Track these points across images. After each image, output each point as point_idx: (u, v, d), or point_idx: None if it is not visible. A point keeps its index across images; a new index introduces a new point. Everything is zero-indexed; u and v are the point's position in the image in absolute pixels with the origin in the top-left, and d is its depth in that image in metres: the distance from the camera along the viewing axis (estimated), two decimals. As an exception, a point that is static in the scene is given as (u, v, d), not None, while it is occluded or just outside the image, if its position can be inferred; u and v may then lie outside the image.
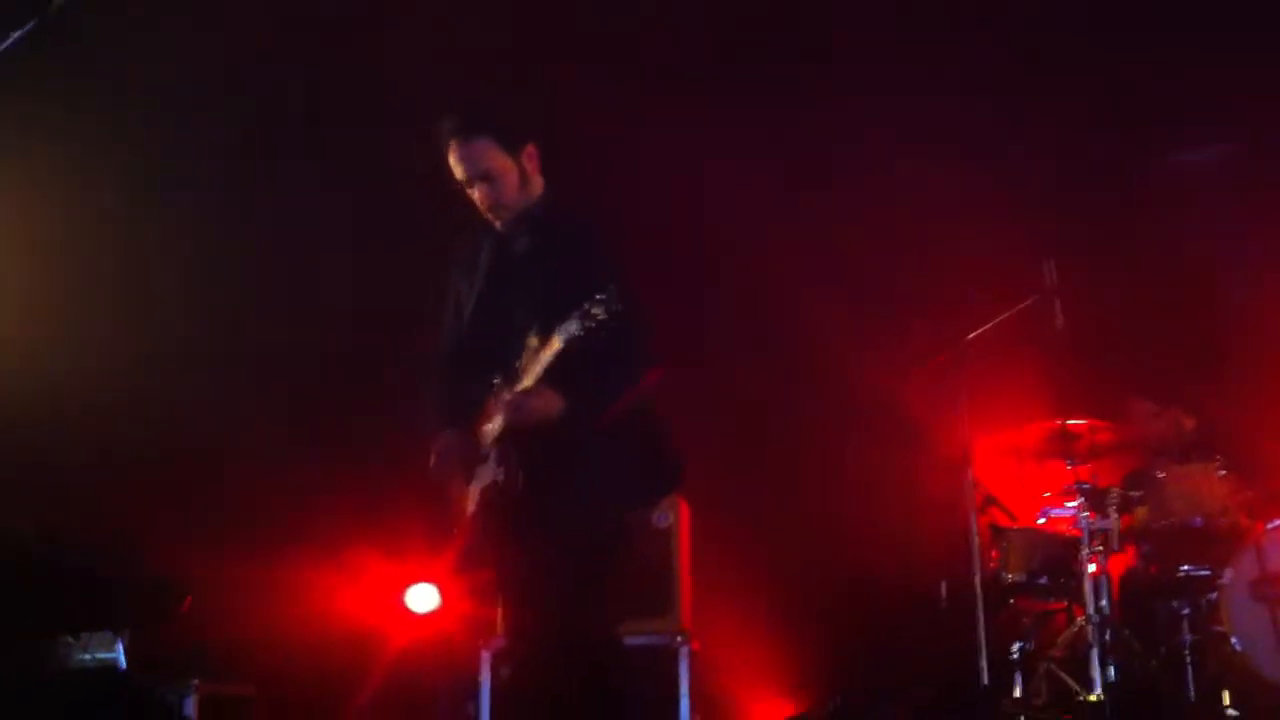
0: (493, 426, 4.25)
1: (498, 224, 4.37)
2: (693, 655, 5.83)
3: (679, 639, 5.80)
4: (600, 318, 3.83)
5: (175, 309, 6.52)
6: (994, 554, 6.15)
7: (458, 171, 4.30)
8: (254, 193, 6.62)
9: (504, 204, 4.31)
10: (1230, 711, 5.66)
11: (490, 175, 4.26)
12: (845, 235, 6.56)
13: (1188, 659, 5.70)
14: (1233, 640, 5.62)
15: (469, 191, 4.34)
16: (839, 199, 6.51)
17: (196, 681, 5.57)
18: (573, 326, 3.87)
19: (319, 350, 6.74)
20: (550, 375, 4.03)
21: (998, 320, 5.98)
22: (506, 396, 4.16)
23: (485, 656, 5.89)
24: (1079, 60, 6.51)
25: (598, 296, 3.83)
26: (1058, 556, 6.08)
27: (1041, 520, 6.32)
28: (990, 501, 6.21)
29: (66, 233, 6.27)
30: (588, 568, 4.11)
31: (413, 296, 5.57)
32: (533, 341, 4.11)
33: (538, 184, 4.37)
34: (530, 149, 4.32)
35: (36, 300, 6.15)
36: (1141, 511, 6.06)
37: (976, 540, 5.83)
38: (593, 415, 4.10)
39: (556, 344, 3.94)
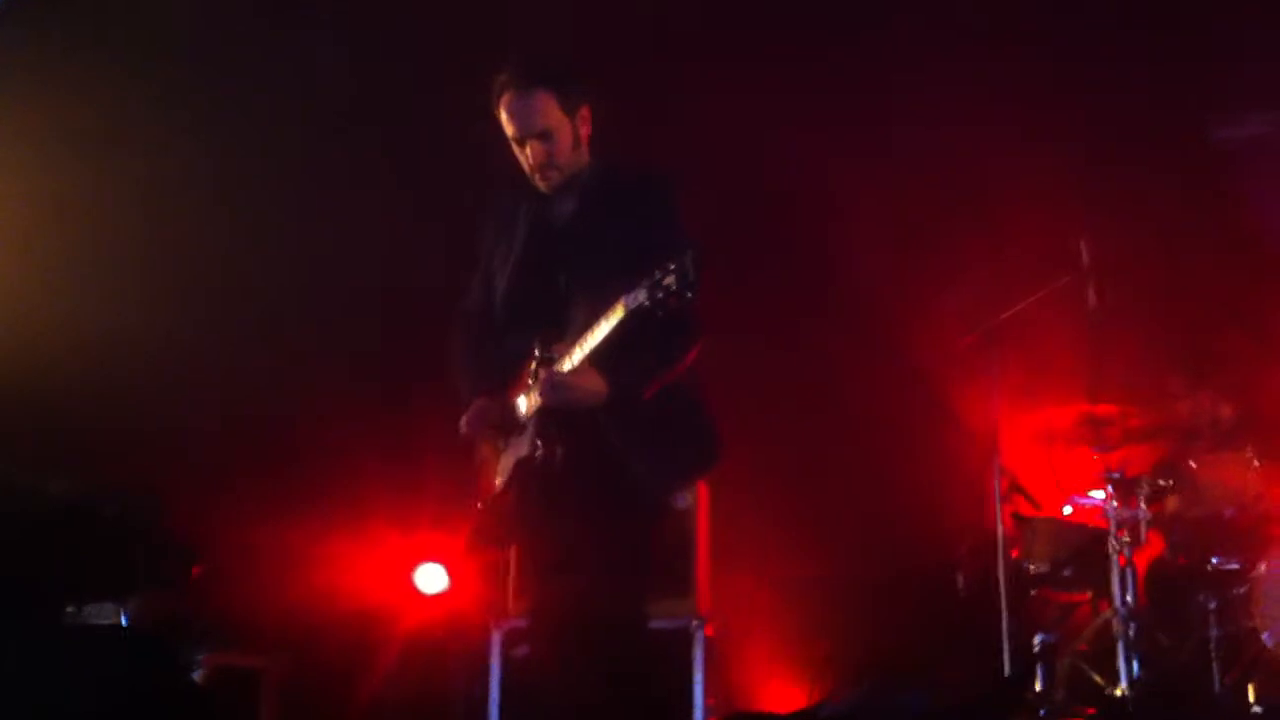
0: (530, 399, 4.07)
1: (543, 185, 4.17)
2: (708, 640, 5.69)
3: (695, 623, 5.68)
4: (672, 289, 3.61)
5: (198, 275, 6.38)
6: (1018, 543, 6.05)
7: (510, 127, 4.12)
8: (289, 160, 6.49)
9: (555, 164, 4.12)
10: (1256, 708, 5.52)
11: (546, 132, 4.07)
12: (874, 212, 6.43)
13: (1214, 653, 5.57)
14: (1263, 636, 5.50)
15: (518, 149, 4.16)
16: (872, 173, 6.36)
17: (203, 653, 5.47)
18: (640, 295, 3.65)
19: (339, 321, 6.60)
20: (599, 351, 3.84)
21: (1030, 300, 5.85)
22: (544, 375, 3.96)
23: (496, 636, 5.80)
24: (1116, 32, 6.38)
25: (670, 265, 3.61)
26: (1084, 547, 5.96)
27: (1068, 510, 6.22)
28: (1015, 489, 6.09)
29: (101, 197, 6.16)
30: (624, 550, 3.96)
31: (437, 265, 5.44)
32: (579, 314, 3.93)
33: (586, 149, 4.19)
34: (585, 111, 4.16)
35: (61, 262, 6.07)
36: (1172, 501, 5.95)
37: (1001, 529, 5.70)
38: (638, 395, 3.93)
39: (619, 313, 3.73)
